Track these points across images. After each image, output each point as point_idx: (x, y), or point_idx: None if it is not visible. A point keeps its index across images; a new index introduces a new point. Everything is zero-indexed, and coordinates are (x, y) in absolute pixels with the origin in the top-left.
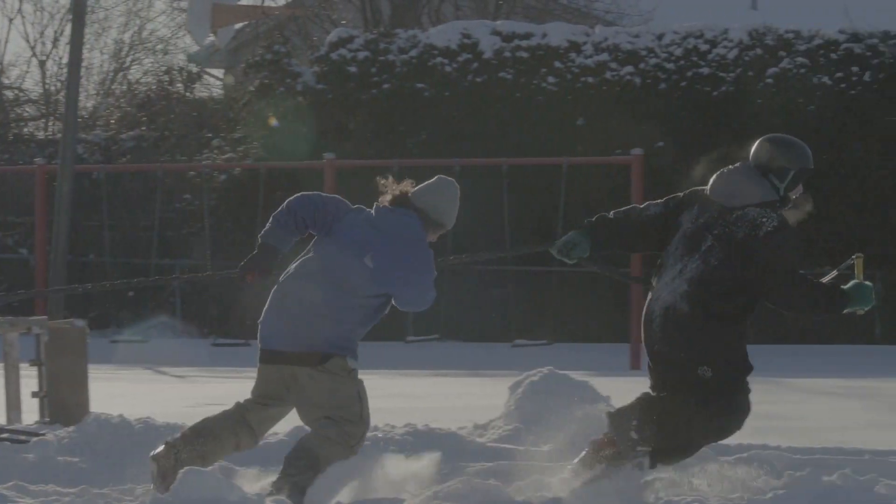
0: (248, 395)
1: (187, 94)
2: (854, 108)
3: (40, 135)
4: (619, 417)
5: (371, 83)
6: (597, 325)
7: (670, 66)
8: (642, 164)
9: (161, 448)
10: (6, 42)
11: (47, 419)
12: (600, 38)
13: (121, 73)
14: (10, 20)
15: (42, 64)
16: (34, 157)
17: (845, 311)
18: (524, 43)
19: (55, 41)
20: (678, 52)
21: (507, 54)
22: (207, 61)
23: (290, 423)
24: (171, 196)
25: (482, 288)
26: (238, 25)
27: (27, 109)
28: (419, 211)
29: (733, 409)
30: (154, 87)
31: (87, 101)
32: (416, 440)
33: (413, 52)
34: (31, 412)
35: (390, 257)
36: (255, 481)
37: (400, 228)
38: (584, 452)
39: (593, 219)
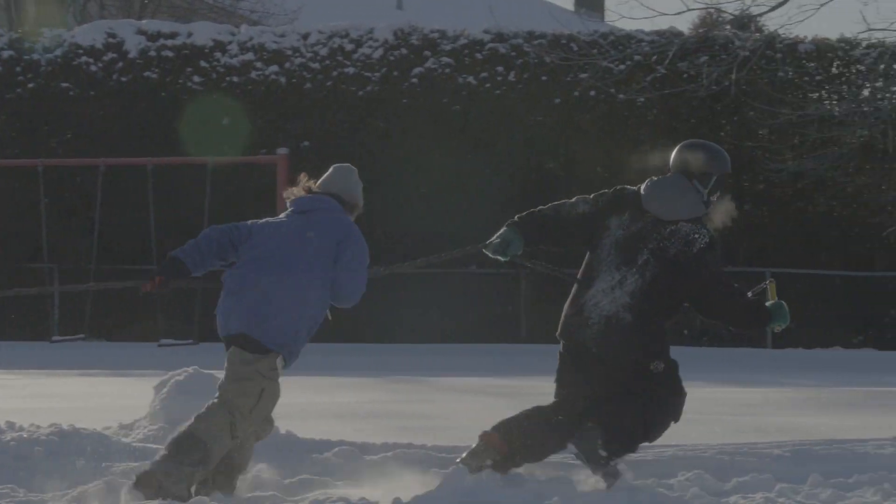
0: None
1: None
2: (498, 107)
3: None
4: (583, 441)
5: (16, 82)
6: None
7: (316, 65)
8: (287, 163)
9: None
10: None
11: None
12: (245, 38)
13: None
14: None
15: None
16: None
17: (768, 326)
18: (169, 42)
19: None
20: (324, 51)
21: (153, 53)
22: None
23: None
24: None
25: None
26: None
27: None
28: (333, 196)
29: (681, 393)
30: None
31: None
32: (61, 440)
33: (58, 52)
34: None
35: (328, 226)
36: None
37: (321, 203)
38: (474, 445)
39: (523, 214)
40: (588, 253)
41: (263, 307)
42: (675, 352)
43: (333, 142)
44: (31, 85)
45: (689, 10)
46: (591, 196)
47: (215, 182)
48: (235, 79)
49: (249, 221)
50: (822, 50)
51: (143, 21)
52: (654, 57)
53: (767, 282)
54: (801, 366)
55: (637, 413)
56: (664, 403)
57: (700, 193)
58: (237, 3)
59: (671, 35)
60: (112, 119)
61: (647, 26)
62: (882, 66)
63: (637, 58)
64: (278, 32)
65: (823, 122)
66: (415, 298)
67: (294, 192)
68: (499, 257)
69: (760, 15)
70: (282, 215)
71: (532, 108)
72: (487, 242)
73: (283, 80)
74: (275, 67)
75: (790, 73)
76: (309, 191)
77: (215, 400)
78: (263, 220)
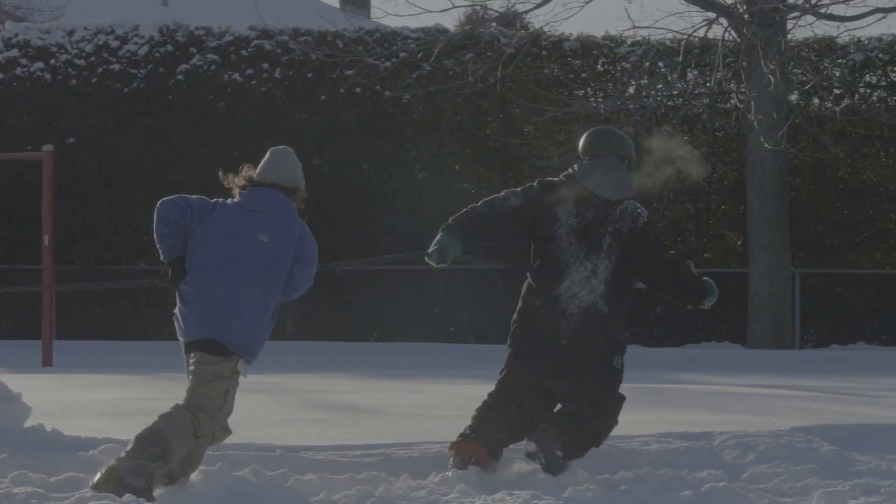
0: None
1: None
2: (264, 104)
3: None
4: (541, 441)
5: None
6: (9, 323)
7: (81, 62)
8: (53, 160)
9: None
10: None
11: None
12: (10, 34)
13: None
14: None
15: None
16: None
17: (703, 302)
18: None
19: None
20: (89, 48)
21: None
22: None
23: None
24: None
25: None
26: None
27: None
28: (274, 186)
29: (622, 397)
30: None
31: None
32: None
33: None
34: None
35: (278, 228)
36: None
37: (270, 203)
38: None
39: (458, 216)
40: (538, 245)
41: (222, 312)
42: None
43: (99, 138)
44: None
45: (454, 7)
46: (520, 189)
47: None
48: (0, 76)
49: (196, 198)
50: (588, 47)
51: None
52: (420, 54)
53: (686, 262)
54: None
55: (592, 416)
56: (613, 409)
57: (629, 175)
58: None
59: (437, 32)
60: None
61: (413, 23)
62: (647, 64)
63: (403, 55)
64: (43, 29)
65: (589, 119)
66: None
67: (236, 182)
68: (441, 265)
69: (526, 12)
70: (231, 205)
71: (297, 105)
72: (428, 252)
73: (48, 76)
74: (40, 64)
75: (555, 71)
76: (251, 180)
77: (181, 402)
78: (215, 207)
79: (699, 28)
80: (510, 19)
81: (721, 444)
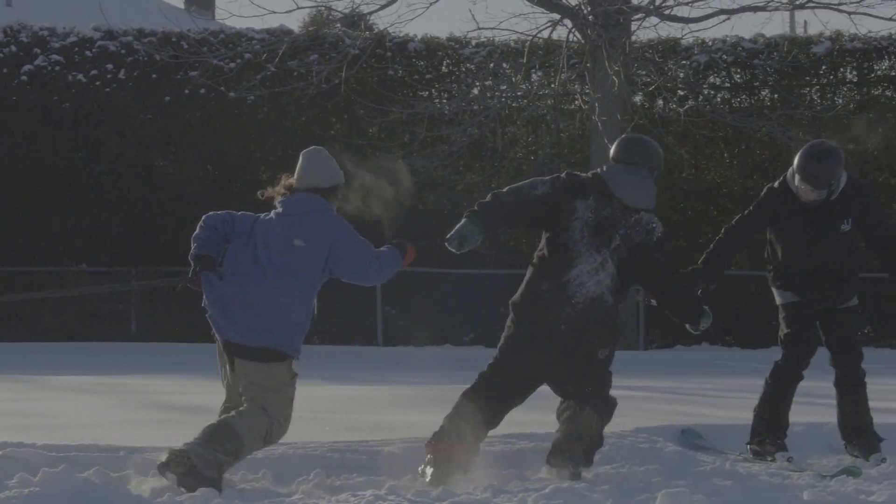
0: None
1: None
2: (109, 105)
3: None
4: (569, 463)
5: None
6: None
7: None
8: None
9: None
10: None
11: None
12: None
13: None
14: None
15: None
16: None
17: (698, 324)
18: None
19: None
20: None
21: None
22: None
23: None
24: None
25: None
26: None
27: None
28: (312, 191)
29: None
30: None
31: None
32: None
33: None
34: None
35: (313, 231)
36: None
37: (306, 205)
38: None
39: (484, 202)
40: (551, 233)
41: (269, 318)
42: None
43: None
44: None
45: (299, 8)
46: (548, 179)
47: None
48: None
49: (240, 213)
50: (432, 48)
51: None
52: (265, 55)
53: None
54: (415, 363)
55: (599, 426)
56: (609, 412)
57: (654, 187)
58: None
59: (281, 33)
60: None
61: (258, 25)
62: (491, 65)
63: (247, 56)
64: None
65: (433, 120)
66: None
67: (277, 192)
68: (461, 251)
69: (370, 13)
70: (272, 214)
71: (142, 105)
72: (448, 237)
73: None
74: None
75: (400, 72)
76: (290, 189)
77: (252, 404)
78: (255, 217)
79: (543, 29)
80: (355, 20)
81: None
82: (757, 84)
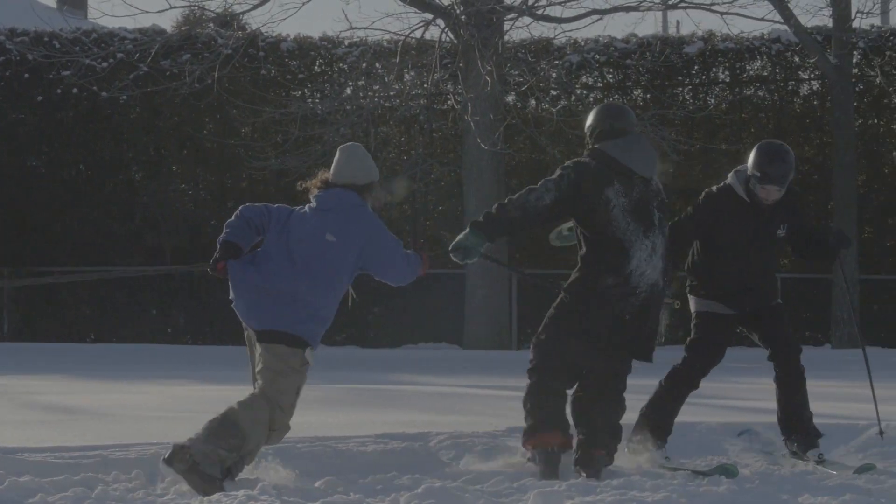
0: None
1: None
2: None
3: None
4: (592, 466)
5: None
6: None
7: None
8: None
9: None
10: None
11: None
12: None
13: None
14: None
15: None
16: None
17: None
18: None
19: None
20: None
21: None
22: None
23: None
24: None
25: None
26: None
27: None
28: (348, 187)
29: None
30: None
31: None
32: None
33: None
34: None
35: (345, 227)
36: None
37: (341, 201)
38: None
39: (488, 217)
40: (593, 229)
41: (291, 306)
42: None
43: None
44: None
45: (172, 7)
46: (552, 182)
47: None
48: None
49: (276, 206)
50: (305, 48)
51: None
52: (138, 55)
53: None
54: None
55: (617, 424)
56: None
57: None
58: None
59: (154, 33)
60: None
61: (131, 24)
62: (364, 65)
63: (120, 55)
64: None
65: (306, 120)
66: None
67: (313, 185)
68: (465, 262)
69: (243, 13)
70: (306, 208)
71: (14, 105)
72: (452, 248)
73: None
74: None
75: (273, 72)
76: (326, 183)
77: (257, 391)
78: (293, 213)
79: (416, 29)
80: (227, 20)
81: (438, 445)
82: (629, 84)
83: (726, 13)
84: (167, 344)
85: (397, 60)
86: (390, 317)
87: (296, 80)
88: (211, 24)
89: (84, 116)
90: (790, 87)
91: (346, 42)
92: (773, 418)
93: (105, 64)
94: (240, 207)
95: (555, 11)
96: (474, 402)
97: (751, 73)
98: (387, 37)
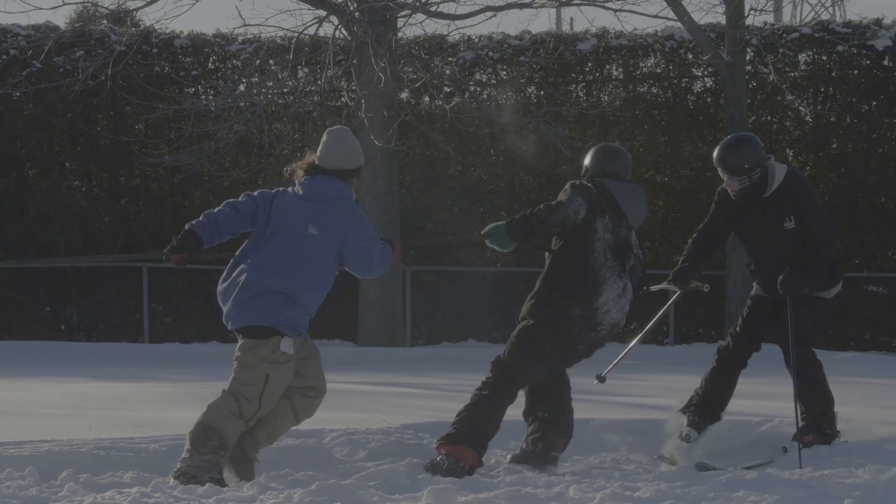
0: None
1: None
2: None
3: None
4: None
5: None
6: None
7: None
8: None
9: None
10: None
11: None
12: None
13: None
14: None
15: None
16: None
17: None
18: None
19: None
20: None
21: None
22: None
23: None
24: None
25: None
26: None
27: None
28: (334, 172)
29: None
30: None
31: None
32: None
33: None
34: None
35: (329, 220)
36: None
37: (327, 192)
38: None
39: (523, 222)
40: (575, 251)
41: (271, 299)
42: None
43: None
44: None
45: (65, 4)
46: (577, 196)
47: None
48: None
49: (258, 192)
50: (199, 45)
51: None
52: (31, 51)
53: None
54: (178, 360)
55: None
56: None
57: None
58: None
59: (47, 30)
60: None
61: (24, 21)
62: (258, 62)
63: (13, 52)
64: None
65: (199, 116)
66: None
67: (299, 168)
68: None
69: (136, 10)
70: (291, 194)
71: None
72: (485, 231)
73: None
74: None
75: (166, 68)
76: (313, 167)
77: (225, 388)
78: (276, 197)
79: (310, 26)
80: (121, 17)
81: (331, 442)
82: (523, 81)
83: (620, 10)
84: (60, 341)
85: (291, 57)
86: None
87: (189, 76)
88: (104, 21)
89: None
90: (684, 84)
91: (240, 39)
92: (666, 415)
93: None
94: (227, 200)
95: (448, 8)
96: (368, 399)
97: (644, 70)
98: (280, 34)
